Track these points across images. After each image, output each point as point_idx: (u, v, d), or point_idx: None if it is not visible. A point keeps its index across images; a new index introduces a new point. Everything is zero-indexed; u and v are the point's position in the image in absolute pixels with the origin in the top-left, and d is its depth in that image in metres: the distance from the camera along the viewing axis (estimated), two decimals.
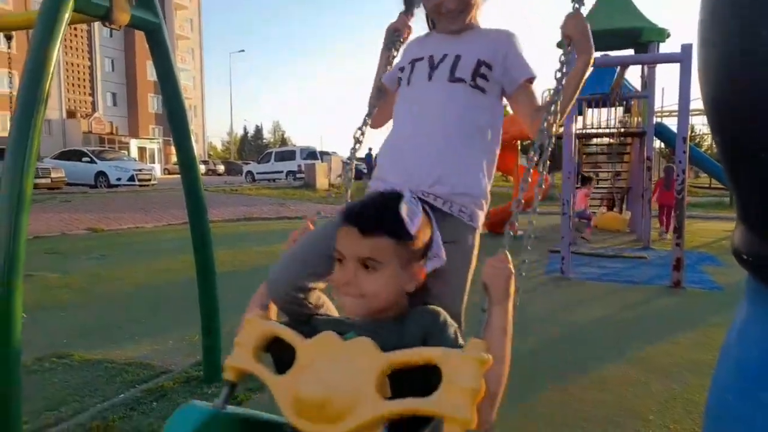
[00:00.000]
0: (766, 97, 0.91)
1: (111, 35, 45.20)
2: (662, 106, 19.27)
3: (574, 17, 1.41)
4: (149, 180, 23.78)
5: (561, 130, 1.48)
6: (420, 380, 0.99)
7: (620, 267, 7.23)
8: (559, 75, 1.38)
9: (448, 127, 1.42)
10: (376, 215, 1.16)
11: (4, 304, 2.13)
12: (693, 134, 23.71)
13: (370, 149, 36.99)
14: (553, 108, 1.36)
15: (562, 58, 1.39)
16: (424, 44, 1.60)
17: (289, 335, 1.15)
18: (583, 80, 1.47)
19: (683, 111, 6.21)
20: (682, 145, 6.11)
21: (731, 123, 1.04)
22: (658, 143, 12.87)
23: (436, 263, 1.29)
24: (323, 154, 29.35)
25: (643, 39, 10.20)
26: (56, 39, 2.29)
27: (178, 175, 3.44)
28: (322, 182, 21.24)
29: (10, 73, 3.20)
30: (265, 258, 8.03)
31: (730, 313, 1.41)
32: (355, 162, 1.81)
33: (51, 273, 6.68)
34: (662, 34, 10.34)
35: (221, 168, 45.03)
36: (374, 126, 1.74)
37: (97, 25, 2.81)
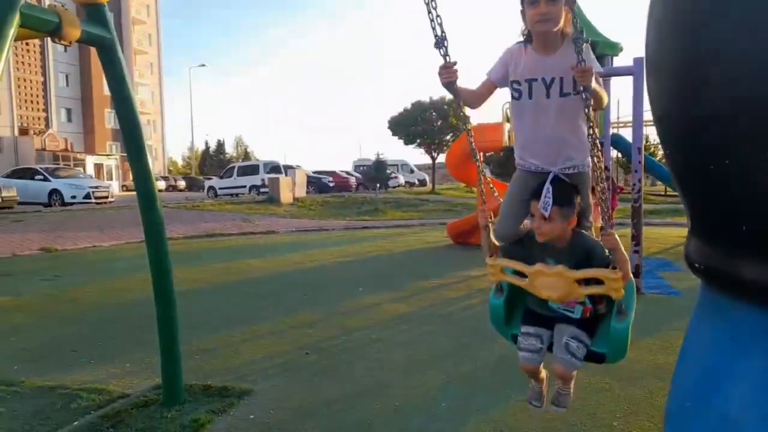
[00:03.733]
0: (712, 114, 0.93)
1: (65, 50, 43.97)
2: (618, 118, 19.90)
3: (582, 68, 1.91)
4: (106, 197, 23.12)
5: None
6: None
7: None
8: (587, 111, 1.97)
9: (569, 127, 2.11)
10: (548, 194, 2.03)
11: None
12: (648, 144, 24.49)
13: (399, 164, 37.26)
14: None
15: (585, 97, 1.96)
16: (529, 64, 2.11)
17: (519, 266, 2.09)
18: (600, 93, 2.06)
19: (637, 122, 6.41)
20: (638, 155, 6.29)
21: (680, 139, 1.07)
22: (614, 153, 13.24)
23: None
24: (287, 167, 29.10)
25: (597, 52, 10.50)
26: (1, 55, 2.20)
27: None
28: (286, 196, 21.03)
29: None
30: (227, 275, 7.86)
31: (690, 318, 1.43)
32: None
33: (1, 296, 6.40)
34: (615, 48, 10.66)
35: (182, 184, 44.12)
36: (473, 106, 2.26)
37: (48, 40, 2.72)
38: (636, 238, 6.27)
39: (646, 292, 6.13)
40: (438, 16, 1.96)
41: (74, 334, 4.88)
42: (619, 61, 11.04)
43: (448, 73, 2.05)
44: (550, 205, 2.02)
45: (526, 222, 2.20)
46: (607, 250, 2.00)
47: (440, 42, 1.97)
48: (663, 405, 3.03)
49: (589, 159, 2.15)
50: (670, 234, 11.49)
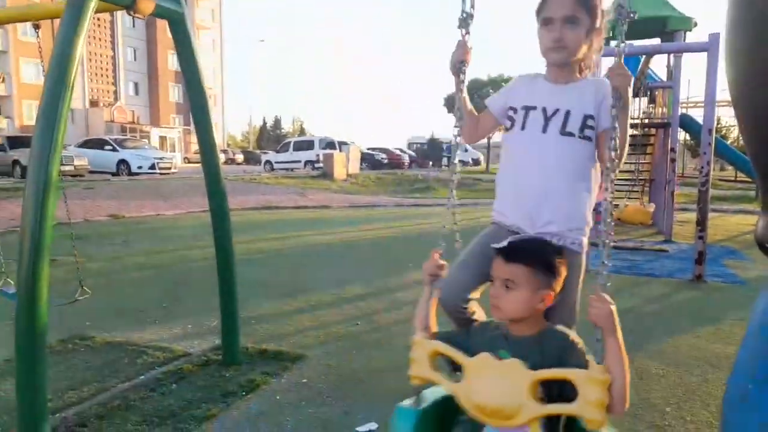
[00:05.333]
0: None
1: (134, 26, 45.60)
2: (688, 98, 18.89)
3: (619, 69, 1.50)
4: (170, 168, 24.05)
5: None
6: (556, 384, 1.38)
7: (641, 260, 7.15)
8: (614, 112, 1.51)
9: (562, 177, 1.69)
10: (518, 247, 1.50)
11: (31, 286, 2.19)
12: (719, 126, 23.21)
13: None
14: (612, 144, 1.49)
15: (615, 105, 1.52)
16: (533, 91, 1.78)
17: (453, 354, 1.49)
18: (629, 115, 1.66)
19: (709, 101, 6.09)
20: (708, 137, 5.99)
21: (759, 106, 1.02)
22: (682, 135, 12.63)
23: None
24: (341, 144, 29.37)
25: (669, 28, 9.98)
26: (82, 28, 2.33)
27: (198, 164, 3.48)
28: (340, 172, 21.27)
29: (41, 61, 3.25)
30: (282, 246, 8.10)
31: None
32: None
33: (74, 258, 6.82)
34: (688, 23, 10.10)
35: (240, 157, 45.31)
36: (468, 141, 1.95)
37: (120, 15, 2.86)
38: (701, 224, 6.01)
39: (708, 280, 5.90)
40: None
41: (140, 296, 5.18)
42: (692, 37, 10.46)
43: (463, 53, 1.76)
44: (515, 250, 1.50)
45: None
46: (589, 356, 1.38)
47: (465, 21, 1.69)
48: (718, 394, 2.96)
49: (585, 240, 1.73)
50: (737, 221, 10.94)
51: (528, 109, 1.75)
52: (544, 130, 1.70)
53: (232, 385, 3.12)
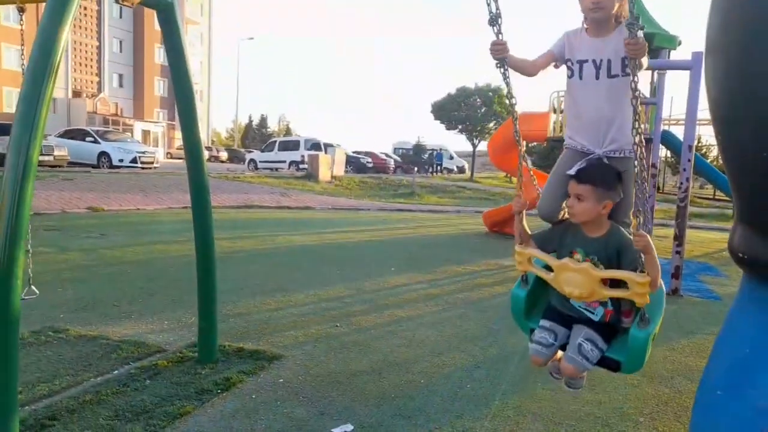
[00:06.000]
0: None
1: (121, 16, 45.02)
2: (670, 116, 19.21)
3: (635, 41, 1.85)
4: (152, 163, 23.71)
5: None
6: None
7: None
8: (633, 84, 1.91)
9: (616, 108, 2.14)
10: (585, 171, 2.04)
11: (5, 274, 2.14)
12: (699, 144, 23.65)
13: (438, 149, 36.87)
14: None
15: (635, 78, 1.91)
16: (581, 46, 2.20)
17: (545, 257, 2.08)
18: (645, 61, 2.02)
19: (691, 118, 6.20)
20: (688, 153, 6.10)
21: (735, 124, 1.05)
22: (664, 151, 12.84)
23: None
24: (327, 146, 29.29)
25: (654, 45, 10.15)
26: (69, 13, 2.30)
27: (181, 160, 3.45)
28: (324, 174, 21.20)
29: (22, 46, 3.20)
30: (263, 246, 8.04)
31: None
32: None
33: (50, 249, 6.70)
34: (673, 42, 10.29)
35: (224, 155, 44.92)
36: (529, 72, 2.27)
37: (107, 4, 2.82)
38: (678, 239, 6.11)
39: (684, 294, 5.99)
40: None
41: (116, 290, 5.09)
42: (676, 56, 10.64)
43: (499, 49, 2.11)
44: (583, 174, 2.01)
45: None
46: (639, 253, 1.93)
47: (494, 19, 2.04)
48: (691, 405, 2.99)
49: (633, 147, 2.13)
50: (714, 238, 11.14)
51: (581, 62, 2.18)
52: (597, 77, 2.15)
53: (207, 383, 3.09)
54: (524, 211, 2.20)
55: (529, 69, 2.28)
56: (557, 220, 2.30)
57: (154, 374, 3.17)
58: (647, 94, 11.26)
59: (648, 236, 1.87)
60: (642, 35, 1.90)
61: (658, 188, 14.39)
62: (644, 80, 13.49)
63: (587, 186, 2.00)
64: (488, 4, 2.01)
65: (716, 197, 20.08)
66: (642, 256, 1.87)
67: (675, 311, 5.40)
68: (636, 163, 1.88)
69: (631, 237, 1.91)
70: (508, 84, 2.18)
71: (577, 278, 1.96)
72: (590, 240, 2.06)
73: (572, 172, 2.07)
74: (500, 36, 2.10)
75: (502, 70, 2.17)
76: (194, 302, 3.44)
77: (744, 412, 0.98)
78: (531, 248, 2.14)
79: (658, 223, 10.26)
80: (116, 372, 3.20)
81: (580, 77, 2.21)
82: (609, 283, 1.94)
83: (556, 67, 2.33)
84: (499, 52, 2.13)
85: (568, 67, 2.26)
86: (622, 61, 2.09)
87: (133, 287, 5.23)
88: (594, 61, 2.17)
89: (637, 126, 1.88)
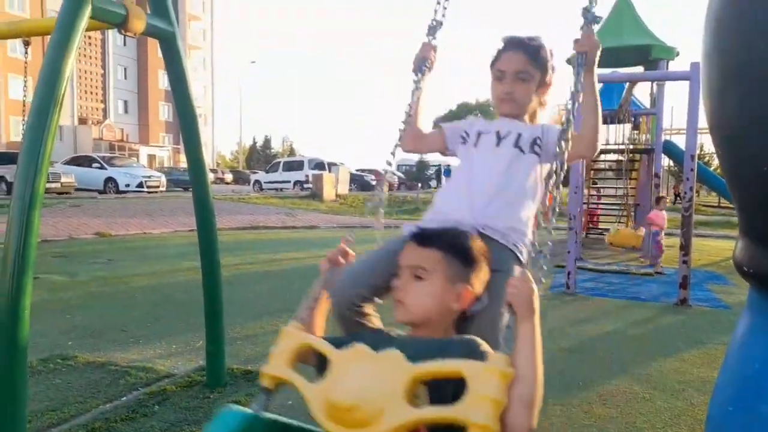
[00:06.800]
0: (766, 112, 0.92)
1: (125, 44, 45.73)
2: (671, 125, 19.22)
3: (588, 35, 1.55)
4: (158, 187, 23.92)
5: (599, 146, 1.69)
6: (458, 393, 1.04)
7: (627, 283, 7.19)
8: (573, 89, 1.49)
9: (514, 182, 1.66)
10: (432, 232, 1.32)
11: (14, 303, 2.16)
12: (702, 152, 23.62)
13: (446, 165, 36.82)
14: (566, 135, 1.45)
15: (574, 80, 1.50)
16: (489, 124, 1.83)
17: (322, 346, 1.21)
18: (597, 93, 1.66)
19: (692, 128, 6.21)
20: (690, 163, 6.10)
21: (735, 138, 1.06)
22: (666, 161, 12.84)
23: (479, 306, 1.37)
24: (331, 165, 29.43)
25: (653, 56, 10.22)
26: (73, 45, 2.34)
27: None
28: (329, 192, 21.29)
29: (25, 78, 3.25)
30: (270, 266, 8.05)
31: None
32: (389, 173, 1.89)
33: (58, 276, 6.74)
34: (671, 53, 10.36)
35: (229, 177, 45.22)
36: (408, 147, 1.90)
37: (111, 33, 2.88)
38: (685, 248, 6.08)
39: (693, 304, 5.95)
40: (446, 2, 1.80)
41: (124, 315, 5.10)
42: (674, 66, 10.70)
43: (428, 51, 1.83)
44: (429, 233, 1.33)
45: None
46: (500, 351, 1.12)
47: (433, 29, 1.83)
48: (703, 418, 2.95)
49: (525, 251, 1.55)
50: (721, 246, 11.07)
51: (481, 133, 1.79)
52: (498, 145, 1.74)
53: (216, 407, 3.07)
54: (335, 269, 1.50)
55: (414, 135, 1.85)
56: (357, 319, 1.56)
57: (162, 399, 3.17)
58: (647, 104, 11.31)
59: (534, 285, 1.17)
60: (594, 31, 1.55)
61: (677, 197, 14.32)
62: (644, 91, 13.56)
63: (435, 251, 1.26)
64: (435, 11, 1.79)
65: (721, 204, 20.03)
66: (511, 325, 1.16)
67: (684, 321, 5.36)
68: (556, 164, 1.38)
69: (482, 347, 1.17)
70: (416, 95, 1.81)
71: (365, 377, 1.10)
72: (413, 341, 1.26)
73: (413, 230, 1.38)
74: (434, 41, 1.84)
75: (416, 76, 1.83)
76: (202, 325, 3.44)
77: (756, 429, 0.97)
78: (311, 336, 1.32)
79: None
80: (125, 398, 3.19)
81: (476, 144, 1.77)
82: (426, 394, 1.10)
83: (444, 154, 1.94)
84: (425, 54, 1.82)
85: (461, 137, 1.83)
86: (534, 140, 1.70)
87: (140, 312, 5.24)
88: (497, 132, 1.75)
89: (566, 127, 1.43)
